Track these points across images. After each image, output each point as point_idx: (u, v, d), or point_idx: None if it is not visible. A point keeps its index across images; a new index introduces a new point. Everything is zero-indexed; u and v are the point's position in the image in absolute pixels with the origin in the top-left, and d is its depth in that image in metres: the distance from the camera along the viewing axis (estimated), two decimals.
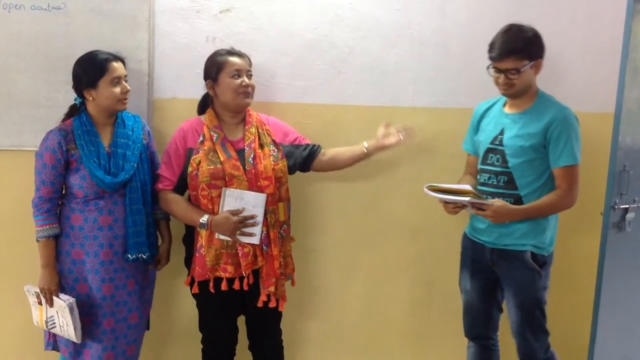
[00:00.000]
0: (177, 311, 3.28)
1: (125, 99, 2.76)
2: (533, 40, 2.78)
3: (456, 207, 2.81)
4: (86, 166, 2.70)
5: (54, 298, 2.73)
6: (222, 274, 2.79)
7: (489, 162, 2.89)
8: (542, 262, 2.84)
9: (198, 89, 3.04)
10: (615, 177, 3.25)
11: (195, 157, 2.78)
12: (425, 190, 2.77)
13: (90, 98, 2.73)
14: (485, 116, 2.99)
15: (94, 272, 2.75)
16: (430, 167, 3.33)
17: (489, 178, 2.89)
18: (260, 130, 2.89)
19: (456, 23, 3.30)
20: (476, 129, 3.01)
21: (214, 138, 2.80)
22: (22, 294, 2.86)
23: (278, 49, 3.08)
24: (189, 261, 2.88)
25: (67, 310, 2.67)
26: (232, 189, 2.72)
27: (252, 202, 2.73)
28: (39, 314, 2.80)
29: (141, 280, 2.90)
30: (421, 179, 3.31)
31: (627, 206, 3.30)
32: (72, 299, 2.70)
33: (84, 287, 2.77)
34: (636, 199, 3.32)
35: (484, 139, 2.93)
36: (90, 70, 2.71)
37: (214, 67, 2.82)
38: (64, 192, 2.79)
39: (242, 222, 2.71)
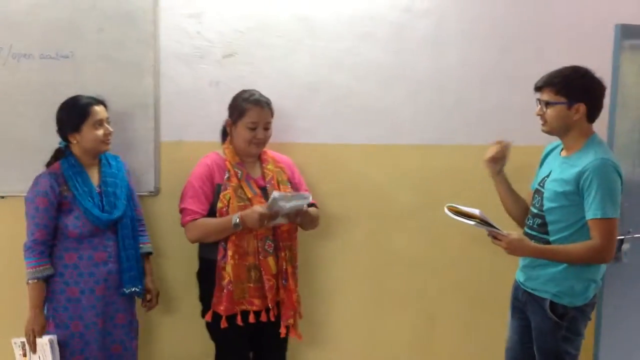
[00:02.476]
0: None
1: (108, 140, 2.83)
2: (575, 82, 2.66)
3: (493, 239, 2.72)
4: (82, 206, 2.74)
5: (37, 339, 2.75)
6: (249, 307, 2.85)
7: (533, 202, 2.84)
8: (562, 312, 2.72)
9: (203, 132, 3.16)
10: None
11: (224, 193, 2.85)
12: (445, 210, 2.73)
13: (75, 141, 2.80)
14: (549, 156, 2.91)
15: (90, 308, 2.79)
16: (429, 203, 3.41)
17: (529, 219, 2.85)
18: (275, 167, 2.98)
19: (449, 65, 3.42)
20: (540, 168, 2.96)
21: (239, 175, 2.88)
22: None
23: (279, 92, 3.16)
24: (206, 297, 2.92)
25: (47, 347, 2.70)
26: (278, 197, 2.74)
27: (294, 205, 2.79)
28: None
29: (130, 314, 2.94)
30: (420, 215, 3.42)
31: (622, 237, 3.35)
32: (53, 336, 2.73)
33: (78, 326, 2.79)
34: (630, 230, 3.38)
35: (536, 179, 2.89)
36: (74, 114, 2.78)
37: (237, 111, 2.91)
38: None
39: (264, 216, 2.75)
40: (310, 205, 2.98)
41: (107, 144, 2.84)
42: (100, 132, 2.79)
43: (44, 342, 2.72)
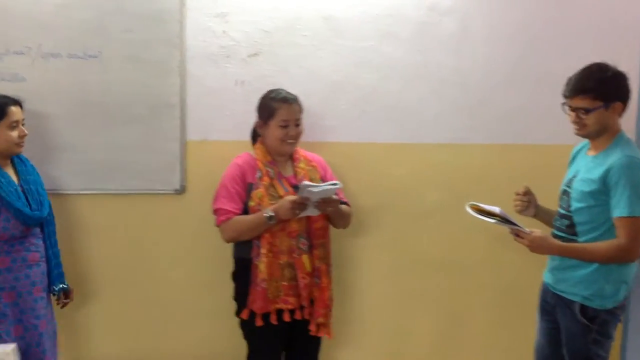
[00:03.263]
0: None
1: (22, 142, 2.77)
2: (609, 81, 2.61)
3: (515, 237, 2.71)
4: (12, 207, 2.68)
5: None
6: (284, 306, 2.88)
7: (560, 203, 2.81)
8: (593, 315, 2.67)
9: (228, 131, 3.19)
10: None
11: (256, 191, 2.87)
12: (467, 208, 2.73)
13: None
14: (577, 158, 2.86)
15: (29, 310, 2.76)
16: (454, 202, 3.40)
17: (556, 220, 2.82)
18: (307, 166, 3.00)
19: (473, 62, 3.40)
20: (568, 169, 2.93)
21: (271, 174, 2.90)
22: None
23: (304, 91, 3.13)
24: (241, 297, 2.93)
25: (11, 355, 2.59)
26: (308, 184, 2.77)
27: (324, 194, 2.80)
28: None
29: (52, 313, 2.93)
30: (444, 213, 3.43)
31: None
32: (12, 344, 2.57)
33: (19, 329, 2.74)
34: None
35: (563, 180, 2.85)
36: None
37: (266, 111, 2.92)
38: None
39: (295, 204, 2.76)
40: (342, 203, 3.00)
41: (21, 146, 2.77)
42: (15, 133, 2.73)
43: (8, 351, 2.54)
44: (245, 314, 2.90)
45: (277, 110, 2.89)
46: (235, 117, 3.18)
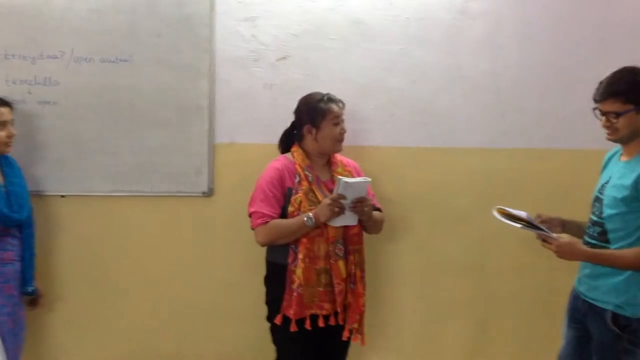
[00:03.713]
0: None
1: (11, 142, 2.83)
2: (639, 84, 2.55)
3: (543, 242, 2.65)
4: None
5: None
6: (319, 312, 2.86)
7: (593, 210, 2.74)
8: (624, 324, 2.58)
9: (256, 134, 3.21)
10: None
11: (295, 197, 2.85)
12: (494, 212, 2.68)
13: None
14: (609, 163, 2.80)
15: (1, 307, 2.80)
16: (485, 207, 3.34)
17: (589, 227, 2.74)
18: (344, 171, 2.98)
19: (505, 65, 3.36)
20: (601, 175, 2.85)
21: (310, 178, 2.89)
22: None
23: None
24: (274, 301, 2.90)
25: None
26: (343, 178, 2.79)
27: (358, 189, 2.81)
28: None
29: (23, 313, 2.96)
30: (475, 219, 3.38)
31: None
32: None
33: None
34: None
35: (596, 186, 2.78)
36: None
37: (316, 113, 2.90)
38: None
39: (334, 202, 2.76)
40: (375, 209, 2.99)
41: (9, 145, 2.84)
42: (3, 133, 2.79)
43: None
44: (278, 320, 2.88)
45: (328, 110, 2.88)
46: (263, 120, 3.20)
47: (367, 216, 2.90)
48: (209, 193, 3.22)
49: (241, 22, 3.17)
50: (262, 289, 2.98)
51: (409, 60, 3.30)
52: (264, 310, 2.96)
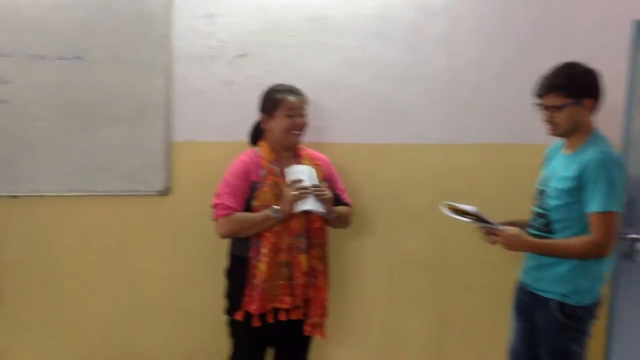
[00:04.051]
0: None
1: None
2: (579, 78, 2.67)
3: (488, 235, 2.74)
4: None
5: None
6: (280, 305, 2.85)
7: (537, 203, 2.84)
8: (570, 312, 2.70)
9: (214, 132, 3.18)
10: (624, 207, 3.28)
11: (261, 191, 2.84)
12: (443, 208, 2.75)
13: None
14: (552, 157, 2.90)
15: None
16: (442, 203, 3.38)
17: (533, 219, 2.84)
18: (312, 164, 2.97)
19: (465, 61, 3.38)
20: (543, 168, 2.95)
21: (275, 172, 2.87)
22: None
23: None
24: (234, 295, 2.90)
25: None
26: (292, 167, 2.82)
27: (307, 175, 2.82)
28: None
29: None
30: (436, 214, 3.38)
31: (636, 236, 3.32)
32: None
33: None
34: None
35: (539, 180, 2.88)
36: None
37: (271, 103, 2.89)
38: None
39: (294, 186, 2.78)
40: (344, 204, 3.00)
41: None
42: None
43: None
44: (240, 316, 2.87)
45: (282, 100, 2.87)
46: (221, 118, 3.17)
47: (327, 204, 2.88)
48: (165, 192, 3.17)
49: (199, 19, 3.10)
50: (221, 288, 2.97)
51: (369, 57, 3.29)
52: (222, 306, 2.96)
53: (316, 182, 2.85)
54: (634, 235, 3.33)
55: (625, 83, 3.36)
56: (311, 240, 2.90)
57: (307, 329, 2.94)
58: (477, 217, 2.69)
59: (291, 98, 2.88)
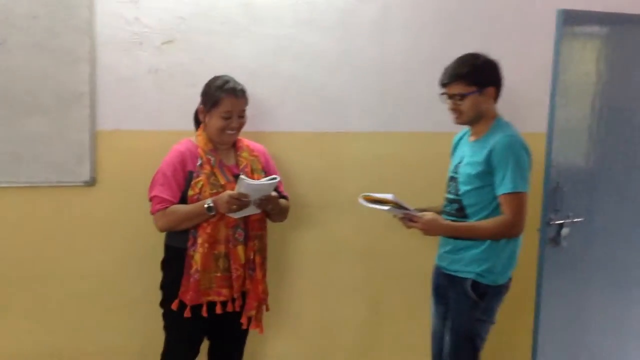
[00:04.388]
0: None
1: None
2: (481, 67, 2.79)
3: (406, 221, 2.80)
4: None
5: None
6: (217, 298, 2.82)
7: (448, 189, 2.93)
8: (483, 292, 2.82)
9: (141, 121, 3.10)
10: (550, 194, 3.37)
11: (196, 180, 2.79)
12: (360, 200, 2.79)
13: None
14: (459, 144, 3.02)
15: None
16: (374, 191, 3.38)
17: (446, 205, 2.93)
18: (250, 155, 2.94)
19: (396, 51, 3.40)
20: (452, 157, 3.04)
21: (212, 162, 2.82)
22: None
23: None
24: (170, 286, 2.85)
25: None
26: (246, 179, 2.72)
27: (262, 190, 2.76)
28: None
29: None
30: None
31: (562, 222, 3.41)
32: None
33: None
34: (570, 214, 3.44)
35: (449, 168, 2.97)
36: None
37: (211, 100, 2.83)
38: None
39: (233, 201, 2.70)
40: (282, 197, 2.98)
41: None
42: None
43: None
44: (175, 305, 2.82)
45: (221, 101, 2.81)
46: (148, 106, 3.09)
47: (272, 211, 2.89)
48: (91, 182, 3.08)
49: (123, 4, 3.01)
50: (150, 279, 2.92)
51: (300, 45, 3.27)
52: (155, 298, 2.90)
53: (269, 193, 2.80)
54: (560, 221, 3.42)
55: (550, 73, 3.42)
56: (249, 231, 2.88)
57: (243, 322, 2.91)
58: (394, 204, 2.74)
59: (230, 100, 2.82)
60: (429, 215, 2.79)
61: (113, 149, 3.08)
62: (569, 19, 3.30)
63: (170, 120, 3.09)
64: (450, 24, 3.43)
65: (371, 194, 2.79)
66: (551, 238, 3.41)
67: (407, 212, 2.77)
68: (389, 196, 2.75)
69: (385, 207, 2.74)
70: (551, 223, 3.39)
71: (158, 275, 2.94)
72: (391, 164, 3.46)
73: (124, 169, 3.06)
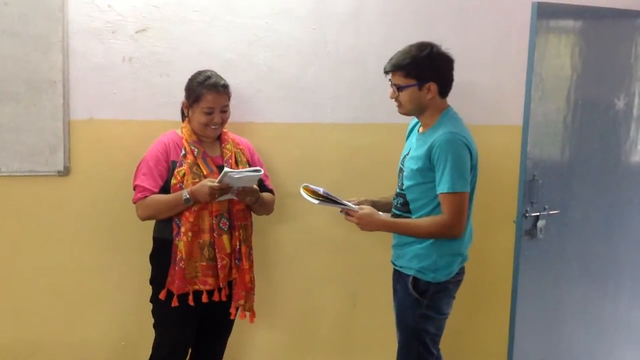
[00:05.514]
0: None
1: None
2: (422, 61, 2.66)
3: (347, 216, 2.76)
4: None
5: None
6: (202, 287, 2.81)
7: (398, 182, 2.88)
8: (424, 289, 2.75)
9: (115, 109, 3.07)
10: (526, 186, 3.37)
11: (179, 169, 2.80)
12: (301, 191, 2.74)
13: None
14: (411, 134, 2.94)
15: None
16: (350, 182, 3.40)
17: (394, 198, 2.88)
18: (235, 148, 2.95)
19: (371, 41, 3.39)
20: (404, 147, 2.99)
21: (195, 153, 2.83)
22: None
23: (196, 69, 3.01)
24: (159, 278, 2.85)
25: None
26: (230, 170, 2.71)
27: (244, 181, 2.76)
28: None
29: None
30: (343, 194, 3.39)
31: (538, 214, 3.41)
32: None
33: None
34: (546, 206, 3.44)
35: (400, 158, 2.91)
36: None
37: (192, 95, 2.85)
38: None
39: (214, 191, 2.71)
40: (267, 190, 2.98)
41: None
42: None
43: None
44: (163, 295, 2.81)
45: (203, 96, 2.82)
46: (122, 95, 3.06)
47: (251, 204, 2.89)
48: (65, 172, 3.04)
49: None
50: (126, 269, 2.90)
51: (275, 35, 3.25)
52: (131, 288, 2.88)
53: (251, 185, 2.81)
54: (536, 213, 3.42)
55: (525, 66, 3.43)
56: (233, 221, 2.88)
57: (232, 311, 2.91)
58: (324, 199, 2.69)
59: (212, 96, 2.83)
60: (365, 210, 2.72)
61: (87, 138, 3.04)
62: (545, 12, 3.30)
63: (144, 109, 3.06)
64: (425, 15, 3.44)
65: (309, 185, 2.73)
66: (527, 230, 3.41)
67: (344, 206, 2.72)
68: (319, 189, 2.69)
69: (316, 201, 2.69)
70: (527, 215, 3.39)
71: (134, 266, 2.92)
72: (367, 155, 3.45)
73: (98, 159, 3.03)
